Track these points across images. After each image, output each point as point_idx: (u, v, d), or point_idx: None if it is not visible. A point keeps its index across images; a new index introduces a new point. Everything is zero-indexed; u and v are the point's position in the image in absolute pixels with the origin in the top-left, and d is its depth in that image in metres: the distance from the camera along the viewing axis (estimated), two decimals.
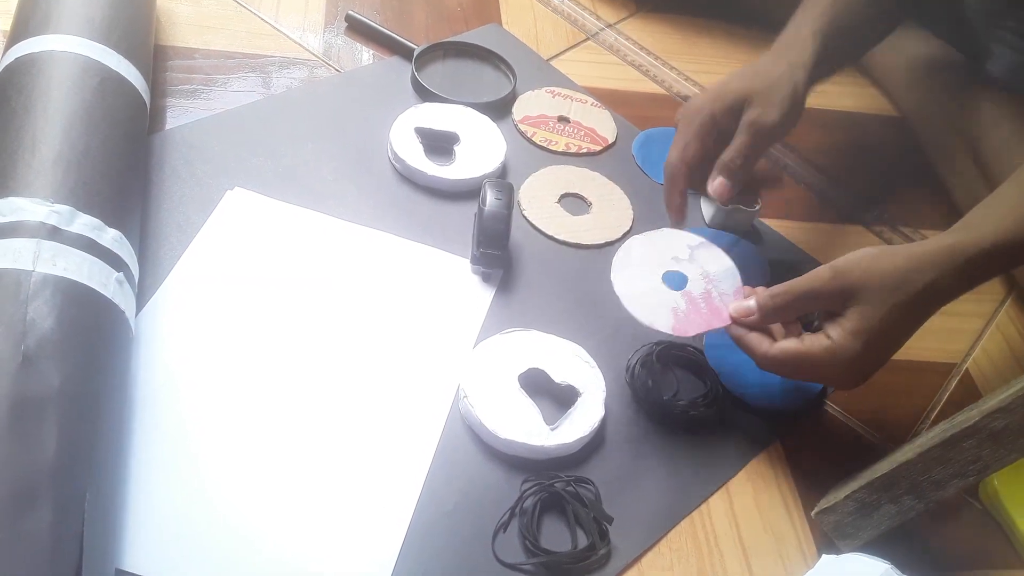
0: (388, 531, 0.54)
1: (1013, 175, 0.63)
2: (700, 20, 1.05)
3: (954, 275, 0.57)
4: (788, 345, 0.59)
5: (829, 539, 0.60)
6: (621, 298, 0.64)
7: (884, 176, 0.93)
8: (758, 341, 0.60)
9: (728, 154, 0.69)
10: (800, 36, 0.72)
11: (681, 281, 0.66)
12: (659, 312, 0.63)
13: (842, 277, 0.58)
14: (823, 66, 0.72)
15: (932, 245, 0.59)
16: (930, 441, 0.55)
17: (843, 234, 0.84)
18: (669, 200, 0.71)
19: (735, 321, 0.62)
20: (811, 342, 0.58)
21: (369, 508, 0.55)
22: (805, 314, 0.61)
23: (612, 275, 0.65)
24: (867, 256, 0.59)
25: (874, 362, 0.59)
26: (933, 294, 0.58)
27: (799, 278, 0.60)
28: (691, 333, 0.63)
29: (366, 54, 0.86)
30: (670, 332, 0.62)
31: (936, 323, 0.77)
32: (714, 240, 0.77)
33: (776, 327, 0.61)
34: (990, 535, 0.64)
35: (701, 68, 0.98)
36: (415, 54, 0.85)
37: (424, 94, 0.83)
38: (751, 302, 0.61)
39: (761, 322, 0.61)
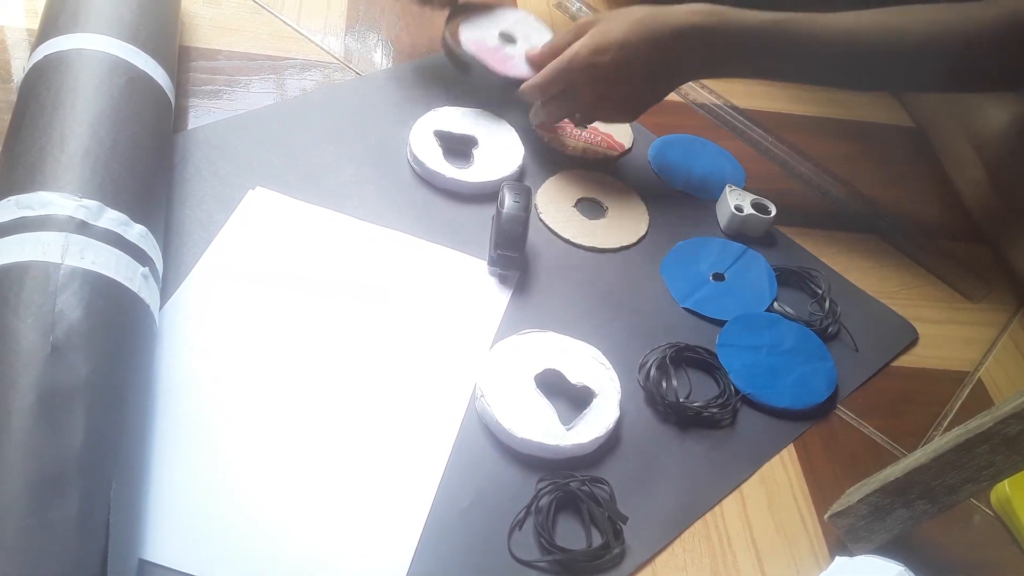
0: (405, 527, 0.55)
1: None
2: None
3: (691, 15, 0.70)
4: (547, 67, 0.74)
5: (841, 542, 0.60)
6: (464, 44, 0.81)
7: (899, 185, 0.94)
8: (530, 80, 0.76)
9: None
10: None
11: (509, 40, 0.82)
12: (477, 42, 0.81)
13: (597, 14, 0.74)
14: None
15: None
16: (944, 446, 0.55)
17: (857, 242, 0.85)
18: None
19: (529, 59, 0.78)
20: (562, 54, 0.73)
21: (387, 504, 0.55)
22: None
23: (462, 32, 0.81)
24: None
25: (612, 75, 0.71)
26: (666, 21, 0.70)
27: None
28: (479, 57, 0.80)
29: (385, 58, 0.87)
30: (469, 51, 0.80)
31: (949, 332, 0.79)
32: (723, 249, 0.78)
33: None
34: (1000, 541, 0.65)
35: None
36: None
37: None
38: (535, 51, 0.79)
39: (545, 56, 0.76)
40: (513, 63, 0.80)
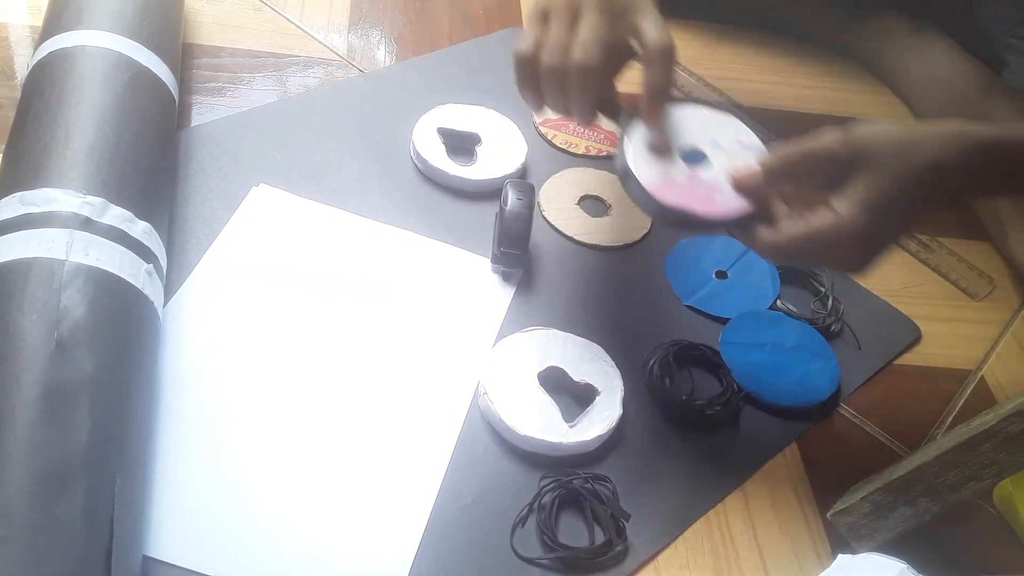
0: (408, 523, 0.55)
1: None
2: (721, 27, 1.05)
3: (959, 157, 0.54)
4: (794, 228, 0.54)
5: (843, 540, 0.60)
6: (626, 149, 0.59)
7: None
8: (762, 231, 0.55)
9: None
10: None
11: (697, 159, 0.60)
12: (654, 171, 0.59)
13: (852, 140, 0.54)
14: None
15: (944, 123, 0.56)
16: (947, 444, 0.55)
17: None
18: None
19: (738, 186, 0.57)
20: (817, 220, 0.54)
21: (390, 501, 0.55)
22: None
23: (625, 139, 0.60)
24: (878, 123, 0.55)
25: (879, 240, 0.55)
26: (937, 173, 0.54)
27: (806, 138, 0.55)
28: (669, 200, 0.57)
29: (388, 55, 0.87)
30: (647, 189, 0.57)
31: (952, 330, 0.78)
32: (726, 247, 0.78)
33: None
34: (1003, 539, 0.65)
35: (722, 75, 0.98)
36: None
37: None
38: (754, 163, 0.56)
39: (766, 184, 0.55)
40: (721, 199, 0.57)
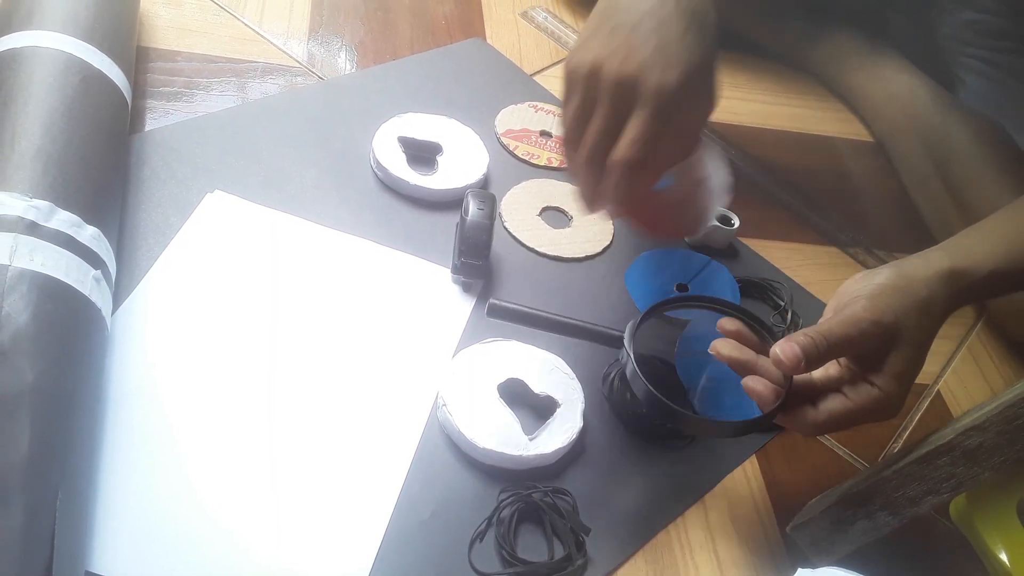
0: (364, 538, 0.53)
1: (1009, 205, 0.65)
2: None
3: (953, 302, 0.59)
4: (836, 407, 0.55)
5: (803, 554, 0.60)
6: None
7: (859, 199, 0.95)
8: (803, 413, 0.56)
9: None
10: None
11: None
12: None
13: (882, 325, 0.55)
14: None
15: (934, 270, 0.58)
16: (905, 458, 0.55)
17: (819, 255, 0.85)
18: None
19: (783, 367, 0.54)
20: (859, 397, 0.55)
21: (345, 515, 0.54)
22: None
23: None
24: (895, 293, 0.57)
25: (906, 395, 0.58)
26: (940, 323, 0.58)
27: (834, 324, 0.55)
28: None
29: (349, 63, 0.86)
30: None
31: None
32: (686, 260, 0.78)
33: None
34: (961, 553, 0.65)
35: None
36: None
37: None
38: (798, 349, 0.54)
39: (806, 370, 0.55)
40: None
